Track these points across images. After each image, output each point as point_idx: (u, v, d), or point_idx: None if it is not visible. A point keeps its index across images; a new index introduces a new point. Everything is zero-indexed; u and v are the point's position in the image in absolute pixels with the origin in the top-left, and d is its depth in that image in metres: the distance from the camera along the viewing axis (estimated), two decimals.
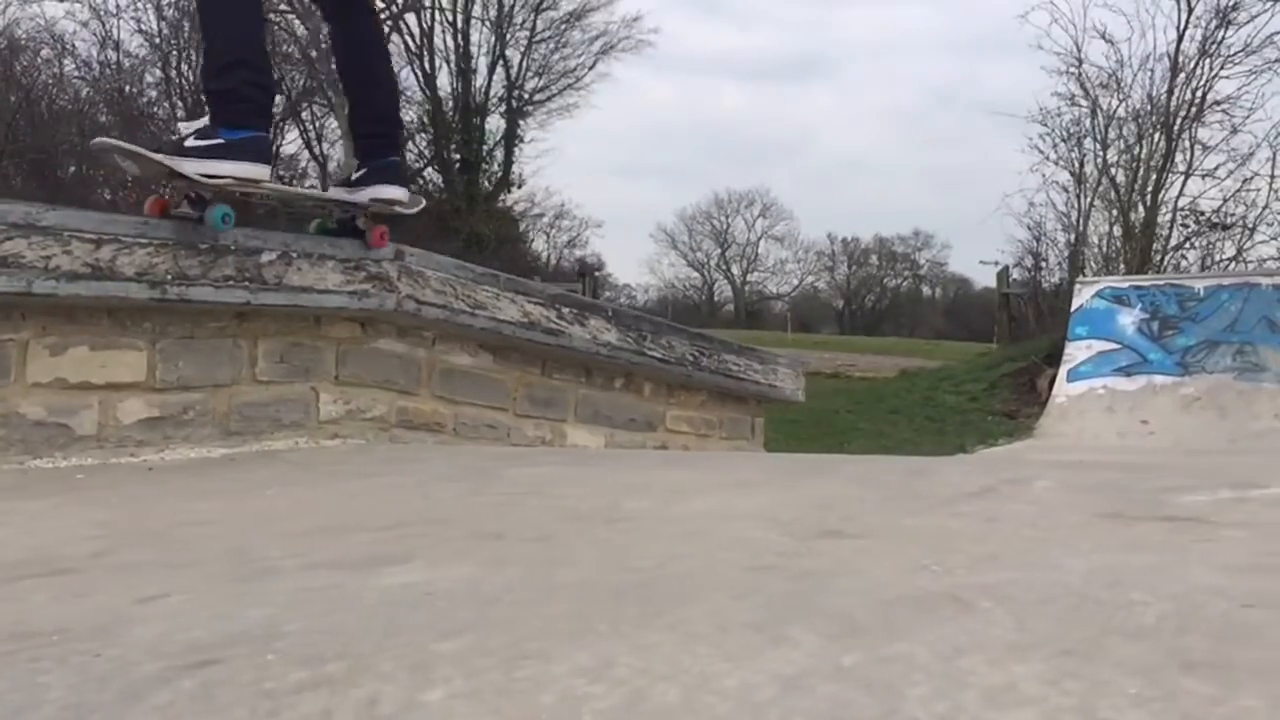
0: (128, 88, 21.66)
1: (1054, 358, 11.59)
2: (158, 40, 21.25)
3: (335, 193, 3.78)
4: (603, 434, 4.78)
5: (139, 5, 20.66)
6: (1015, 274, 18.89)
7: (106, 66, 20.24)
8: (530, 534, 1.97)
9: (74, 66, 19.83)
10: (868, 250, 52.04)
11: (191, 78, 22.33)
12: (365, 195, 3.65)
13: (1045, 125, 16.92)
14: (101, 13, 19.46)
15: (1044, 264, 18.18)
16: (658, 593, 1.44)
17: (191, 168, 3.10)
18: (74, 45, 19.70)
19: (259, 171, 3.26)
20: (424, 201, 4.39)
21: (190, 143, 3.13)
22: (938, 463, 3.75)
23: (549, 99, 23.73)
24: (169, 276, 3.10)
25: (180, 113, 22.26)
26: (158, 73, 21.87)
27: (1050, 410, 10.87)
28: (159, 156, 3.10)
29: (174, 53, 21.14)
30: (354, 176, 3.71)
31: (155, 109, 23.42)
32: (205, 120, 3.21)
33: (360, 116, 3.78)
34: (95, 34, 19.56)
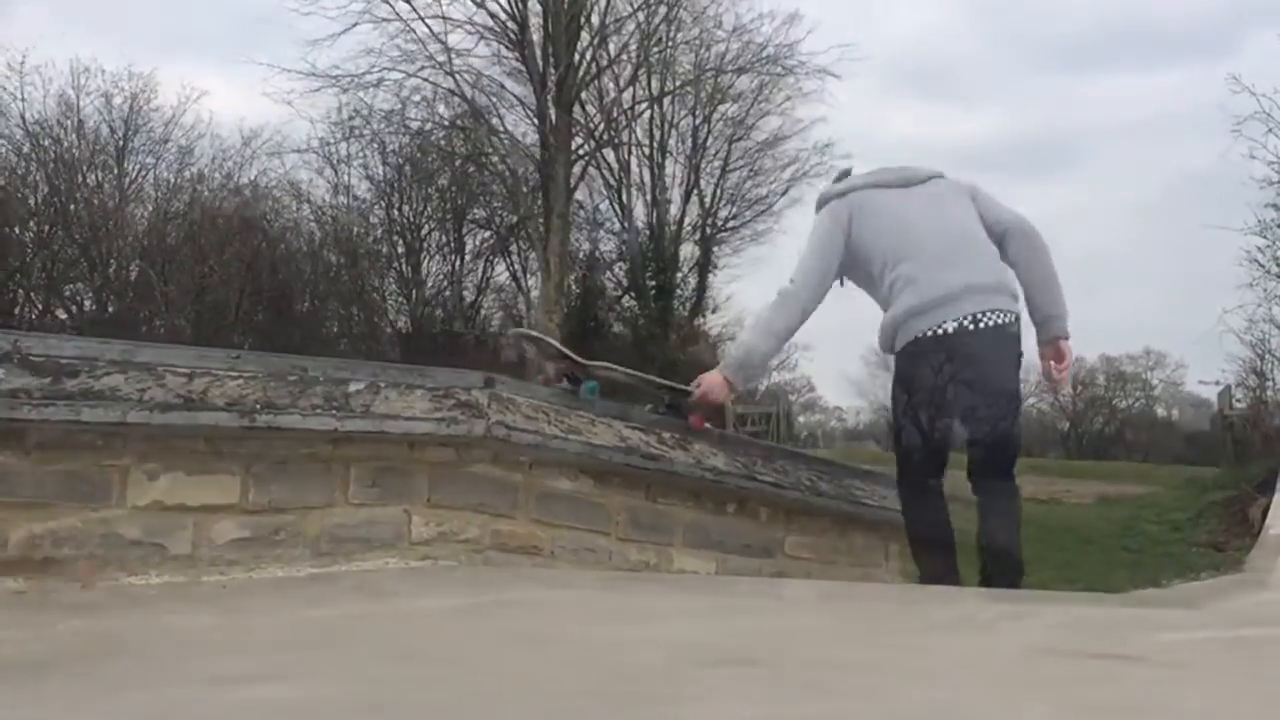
0: (355, 229, 23.52)
1: (1269, 485, 10.60)
2: (381, 183, 23.09)
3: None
4: (713, 560, 4.73)
5: (367, 153, 22.56)
6: (1239, 394, 17.59)
7: (337, 210, 22.25)
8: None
9: (309, 211, 22.01)
10: (1094, 370, 49.41)
11: (411, 217, 24.30)
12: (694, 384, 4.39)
13: (1265, 238, 15.78)
14: (334, 160, 21.51)
15: (1270, 384, 16.81)
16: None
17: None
18: (309, 192, 21.91)
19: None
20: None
21: None
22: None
23: (742, 225, 24.19)
24: (258, 405, 3.35)
25: (400, 249, 24.09)
26: (380, 213, 23.68)
27: (1264, 543, 9.90)
28: (557, 344, 4.16)
29: (395, 194, 22.99)
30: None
31: (380, 246, 25.28)
32: None
33: None
34: (329, 180, 21.65)
